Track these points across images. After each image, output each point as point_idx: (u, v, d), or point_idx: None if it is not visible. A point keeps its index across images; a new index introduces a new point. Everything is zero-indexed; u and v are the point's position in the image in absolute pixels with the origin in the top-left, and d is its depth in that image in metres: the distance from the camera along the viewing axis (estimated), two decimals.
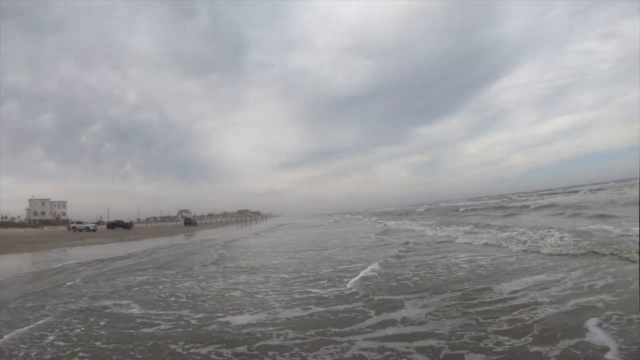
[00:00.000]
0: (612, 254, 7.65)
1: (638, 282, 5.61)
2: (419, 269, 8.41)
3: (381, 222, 31.18)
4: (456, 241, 13.03)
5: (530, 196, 56.57)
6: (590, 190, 45.08)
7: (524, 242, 10.51)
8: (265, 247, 16.44)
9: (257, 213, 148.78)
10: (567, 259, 7.90)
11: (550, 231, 12.03)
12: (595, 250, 8.17)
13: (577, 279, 6.29)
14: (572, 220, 15.27)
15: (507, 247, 10.20)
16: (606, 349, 3.71)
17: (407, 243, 13.56)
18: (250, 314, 5.49)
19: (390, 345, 4.16)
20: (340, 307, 5.60)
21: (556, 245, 9.52)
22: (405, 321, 4.91)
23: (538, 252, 9.00)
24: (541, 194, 53.54)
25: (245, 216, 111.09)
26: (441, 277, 7.46)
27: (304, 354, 3.96)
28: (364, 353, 3.96)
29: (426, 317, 5.04)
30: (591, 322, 4.35)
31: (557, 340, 4.02)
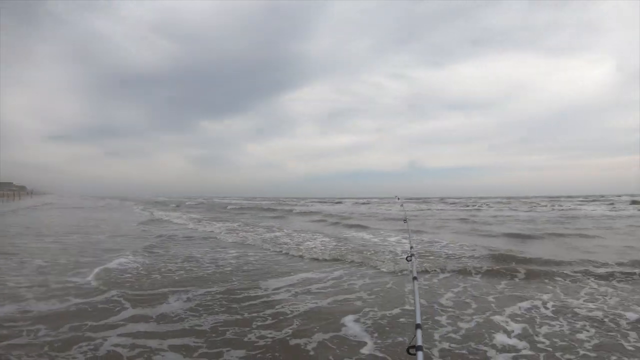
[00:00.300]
0: (367, 258, 8.80)
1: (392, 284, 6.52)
2: (184, 262, 8.11)
3: (149, 211, 29.51)
4: (219, 237, 12.97)
5: (302, 201, 64.99)
6: (356, 203, 53.73)
7: (288, 243, 11.28)
8: (24, 228, 14.31)
9: (22, 187, 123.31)
10: (328, 260, 8.74)
11: (314, 235, 13.54)
12: (352, 254, 9.29)
13: (338, 278, 6.72)
14: (334, 227, 17.35)
15: (269, 247, 10.48)
16: (363, 344, 4.01)
17: (173, 236, 12.84)
18: None
19: (141, 342, 3.85)
20: (98, 299, 5.25)
21: (321, 247, 10.61)
22: (163, 317, 4.59)
23: (301, 253, 9.63)
24: (312, 201, 61.81)
25: (8, 190, 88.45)
26: (209, 271, 7.28)
27: (53, 354, 3.54)
28: (117, 349, 3.67)
29: (185, 312, 4.79)
30: (348, 318, 4.71)
31: (314, 333, 4.21)
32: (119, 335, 4.00)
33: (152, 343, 3.83)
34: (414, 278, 2.48)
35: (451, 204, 44.83)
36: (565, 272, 7.04)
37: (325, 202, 57.78)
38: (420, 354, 1.56)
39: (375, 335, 4.18)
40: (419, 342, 1.62)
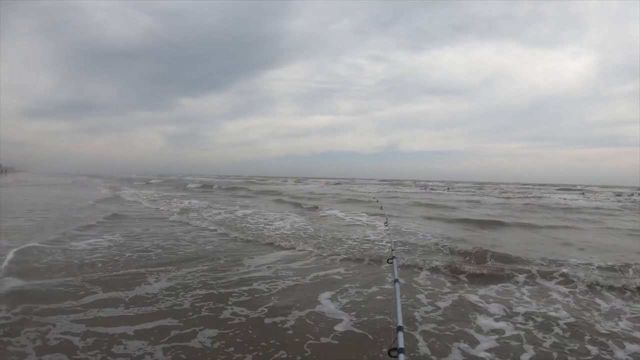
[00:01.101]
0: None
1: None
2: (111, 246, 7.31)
3: (111, 189, 28.11)
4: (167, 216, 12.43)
5: (271, 180, 64.81)
6: (327, 183, 55.59)
7: (261, 222, 11.20)
8: None
9: None
10: (305, 238, 8.72)
11: (289, 214, 13.46)
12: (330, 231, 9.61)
13: (317, 257, 6.84)
14: (279, 204, 18.07)
15: (208, 226, 10.19)
16: (338, 320, 3.94)
17: (125, 215, 12.09)
18: None
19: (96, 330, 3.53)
20: (55, 281, 4.85)
21: (295, 225, 10.69)
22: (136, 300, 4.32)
23: (281, 231, 9.63)
24: (285, 181, 62.19)
25: None
26: (190, 250, 7.09)
27: None
28: (69, 337, 3.36)
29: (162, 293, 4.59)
30: (325, 295, 4.68)
31: (292, 310, 4.13)
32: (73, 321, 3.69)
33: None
34: (396, 280, 2.44)
35: (422, 187, 45.74)
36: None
37: (299, 182, 58.39)
38: (402, 357, 1.54)
39: (353, 313, 4.12)
40: (401, 345, 1.61)
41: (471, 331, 3.78)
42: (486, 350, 3.40)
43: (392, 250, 3.65)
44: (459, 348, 3.42)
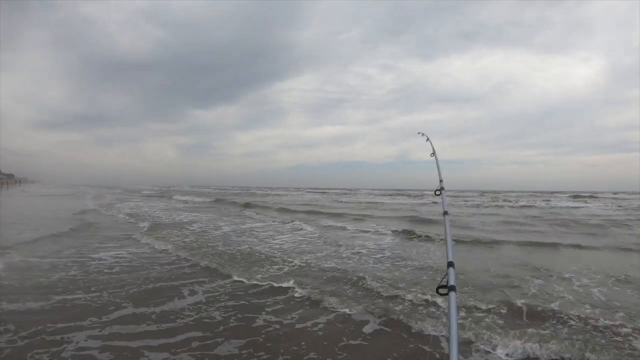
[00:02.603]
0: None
1: None
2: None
3: (104, 200, 29.53)
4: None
5: (274, 191, 65.62)
6: (337, 193, 56.81)
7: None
8: None
9: (10, 176, 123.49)
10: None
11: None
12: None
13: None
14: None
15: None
16: None
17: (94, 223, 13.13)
18: None
19: None
20: None
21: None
22: None
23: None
24: (295, 191, 63.35)
25: None
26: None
27: None
28: None
29: None
30: None
31: None
32: None
33: None
34: (445, 212, 2.25)
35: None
36: None
37: (311, 192, 59.85)
38: (452, 295, 1.42)
39: None
40: (452, 282, 1.48)
41: None
42: None
43: (441, 181, 2.91)
44: None
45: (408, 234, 11.70)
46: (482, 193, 57.75)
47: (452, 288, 1.45)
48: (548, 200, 36.05)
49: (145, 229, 12.39)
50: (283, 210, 22.14)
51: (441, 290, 1.49)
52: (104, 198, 32.48)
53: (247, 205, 25.51)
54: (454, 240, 1.85)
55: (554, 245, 9.93)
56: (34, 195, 34.65)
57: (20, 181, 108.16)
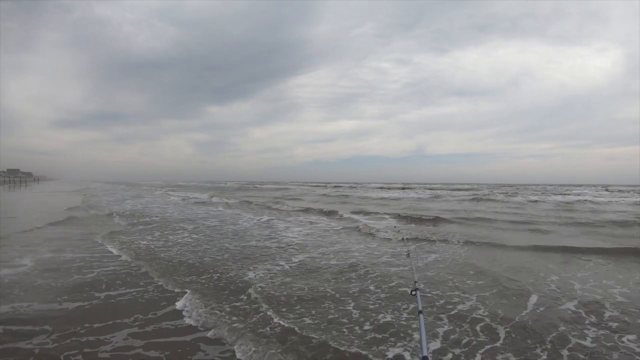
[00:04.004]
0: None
1: None
2: None
3: (101, 196, 29.26)
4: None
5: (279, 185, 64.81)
6: (351, 187, 55.79)
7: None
8: None
9: (29, 174, 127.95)
10: None
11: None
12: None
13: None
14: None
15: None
16: None
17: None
18: None
19: None
20: None
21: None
22: None
23: None
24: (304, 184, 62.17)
25: (15, 177, 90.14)
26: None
27: None
28: None
29: None
30: None
31: None
32: None
33: None
34: (420, 312, 2.34)
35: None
36: None
37: (319, 186, 58.44)
38: None
39: None
40: None
41: None
42: None
43: (415, 282, 3.18)
44: None
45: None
46: (525, 187, 53.19)
47: None
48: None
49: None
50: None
51: None
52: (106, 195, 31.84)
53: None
54: None
55: None
56: (43, 193, 34.61)
57: (38, 179, 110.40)
